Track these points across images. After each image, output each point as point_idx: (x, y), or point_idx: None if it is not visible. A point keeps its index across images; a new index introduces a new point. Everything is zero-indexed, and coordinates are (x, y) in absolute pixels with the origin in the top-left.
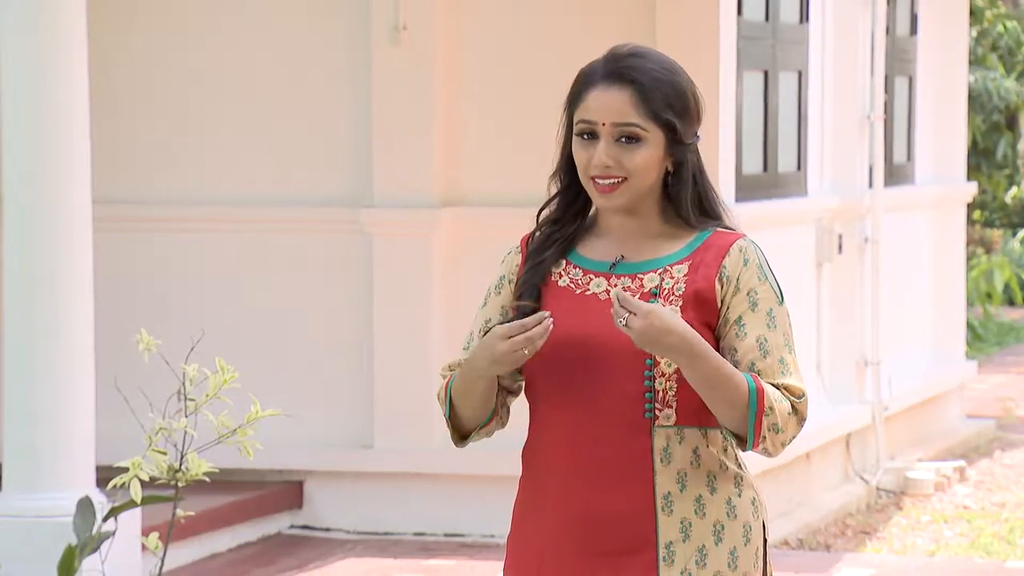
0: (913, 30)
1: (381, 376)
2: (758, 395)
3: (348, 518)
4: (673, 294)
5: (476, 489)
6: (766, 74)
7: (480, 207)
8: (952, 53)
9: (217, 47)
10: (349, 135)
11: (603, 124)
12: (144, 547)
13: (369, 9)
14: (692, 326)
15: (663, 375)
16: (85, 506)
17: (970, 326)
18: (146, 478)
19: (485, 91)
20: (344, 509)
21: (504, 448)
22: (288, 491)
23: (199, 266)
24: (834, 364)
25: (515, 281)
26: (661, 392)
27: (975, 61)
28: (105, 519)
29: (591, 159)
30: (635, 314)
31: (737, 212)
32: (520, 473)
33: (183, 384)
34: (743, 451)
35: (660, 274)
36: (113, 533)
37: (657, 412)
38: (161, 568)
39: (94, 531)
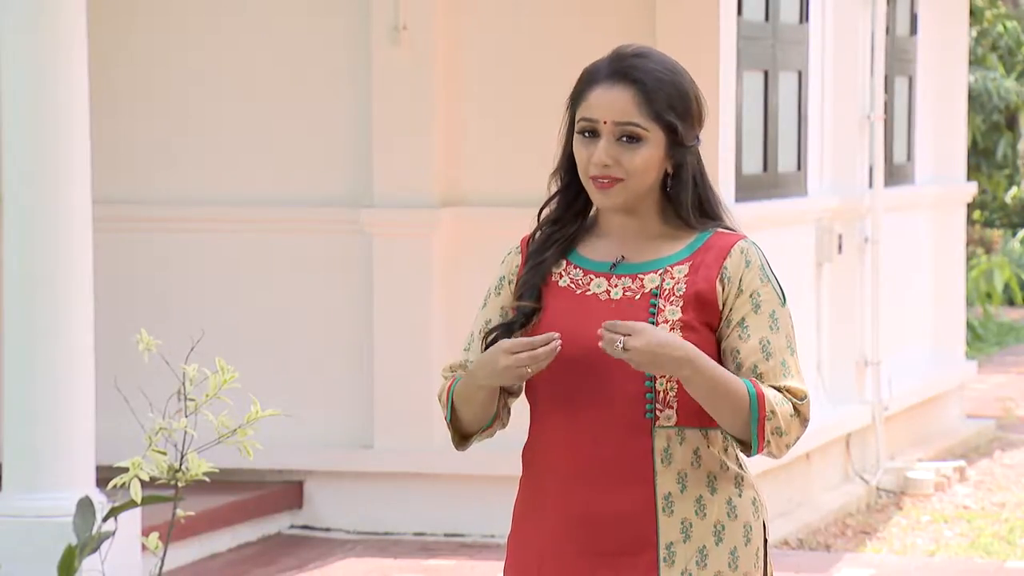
0: (913, 30)
1: (381, 376)
2: (759, 400)
3: (348, 518)
4: (674, 294)
5: (476, 489)
6: (766, 74)
7: (480, 207)
8: (952, 53)
9: (217, 47)
10: (349, 135)
11: (604, 122)
12: (144, 547)
13: (369, 9)
14: (693, 326)
15: (663, 376)
16: (85, 506)
17: (970, 326)
18: (146, 478)
19: (485, 91)
20: (344, 509)
21: (504, 448)
22: (288, 491)
23: (199, 266)
24: (834, 364)
25: (515, 282)
26: (662, 393)
27: (975, 61)
28: (105, 519)
29: (591, 157)
30: (629, 335)
31: (737, 212)
32: (520, 473)
33: (183, 384)
34: (748, 456)
35: (661, 275)
36: (113, 533)
37: (658, 413)
38: (161, 568)
39: (94, 531)
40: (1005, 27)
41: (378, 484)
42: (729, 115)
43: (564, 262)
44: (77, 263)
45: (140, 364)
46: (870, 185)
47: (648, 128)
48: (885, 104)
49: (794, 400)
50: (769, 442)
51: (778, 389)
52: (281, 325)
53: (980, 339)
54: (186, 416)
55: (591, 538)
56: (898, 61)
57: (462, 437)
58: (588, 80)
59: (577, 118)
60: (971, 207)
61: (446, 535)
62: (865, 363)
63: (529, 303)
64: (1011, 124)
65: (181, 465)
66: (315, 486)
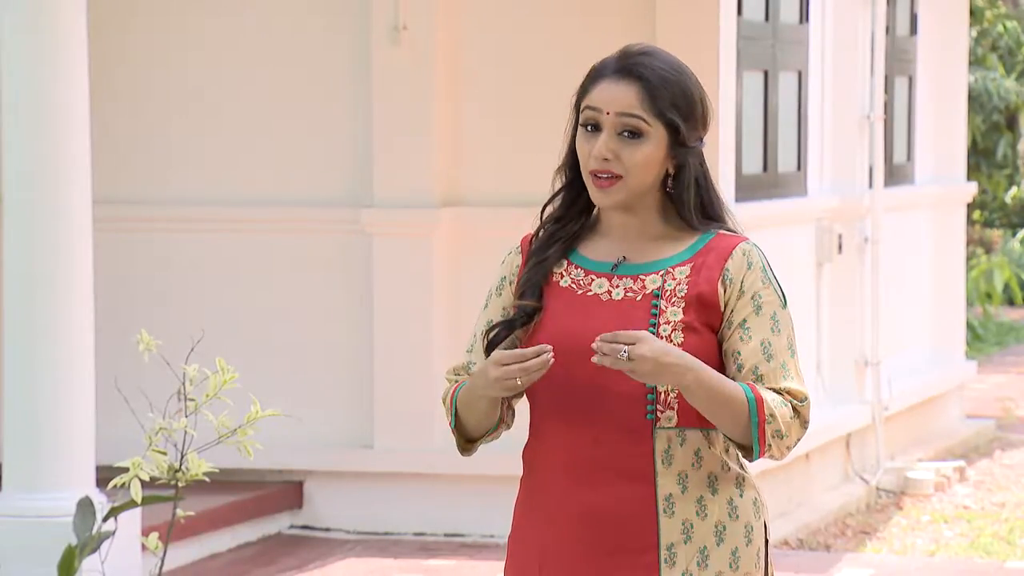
0: (913, 30)
1: (381, 376)
2: (758, 404)
3: (348, 518)
4: (675, 296)
5: (476, 489)
6: (766, 74)
7: (480, 207)
8: (952, 53)
9: (217, 47)
10: (349, 135)
11: (607, 113)
12: (144, 547)
13: (369, 9)
14: (694, 327)
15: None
16: (85, 506)
17: (970, 326)
18: (146, 478)
19: (485, 91)
20: (344, 509)
21: (504, 448)
22: (288, 491)
23: (199, 266)
24: (834, 364)
25: (516, 282)
26: (662, 394)
27: (975, 61)
28: (105, 519)
29: (592, 151)
30: (633, 344)
31: (737, 212)
32: (520, 473)
33: (183, 384)
34: (750, 461)
35: (662, 276)
36: (113, 533)
37: (659, 414)
38: (161, 568)
39: (94, 531)
40: (1005, 27)
41: (378, 484)
42: (729, 115)
43: (565, 262)
44: (77, 263)
45: (140, 364)
46: (870, 185)
47: (650, 124)
48: (885, 104)
49: (794, 402)
50: (770, 445)
51: (778, 391)
52: (281, 325)
53: (980, 339)
54: (186, 416)
55: (592, 539)
56: (898, 61)
57: (467, 441)
58: (594, 75)
59: (581, 109)
60: (971, 207)
61: (446, 535)
62: (865, 363)
63: (531, 302)
64: (1011, 124)
65: (181, 465)
66: (315, 486)
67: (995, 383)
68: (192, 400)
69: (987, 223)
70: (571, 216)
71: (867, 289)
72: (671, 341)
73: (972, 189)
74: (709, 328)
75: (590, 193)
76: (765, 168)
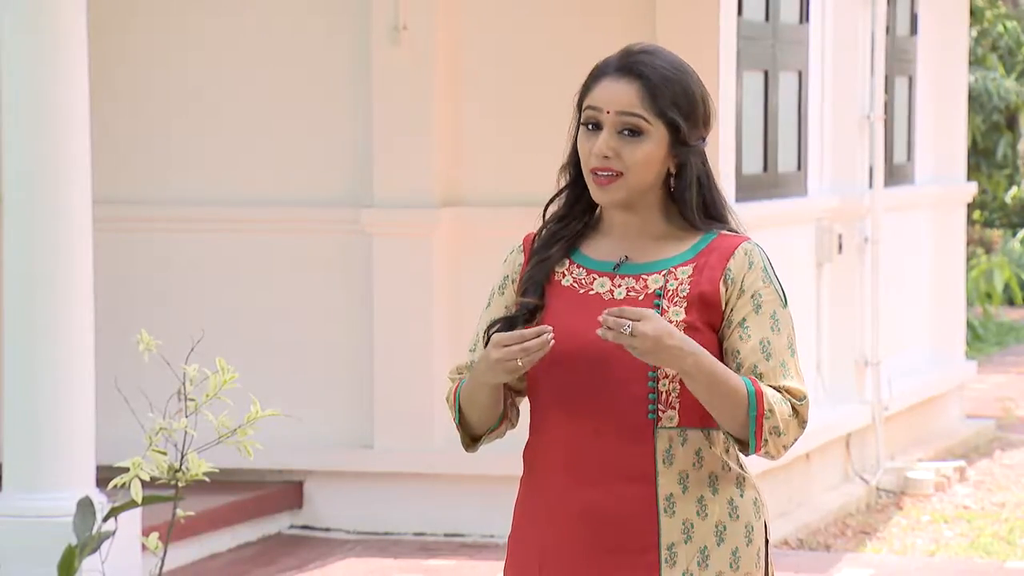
0: (913, 30)
1: (381, 376)
2: (757, 397)
3: (348, 518)
4: (677, 295)
5: (476, 489)
6: (766, 74)
7: (480, 207)
8: (952, 53)
9: (217, 47)
10: (349, 135)
11: (608, 112)
12: (144, 547)
13: (369, 9)
14: (696, 326)
15: (666, 376)
16: (85, 506)
17: (970, 326)
18: (146, 478)
19: (485, 91)
20: (344, 509)
21: (504, 448)
22: (288, 491)
23: (199, 266)
24: (834, 364)
25: (518, 280)
26: (664, 393)
27: (975, 61)
28: (105, 519)
29: (592, 149)
30: (638, 320)
31: (737, 212)
32: (521, 473)
33: (183, 384)
34: (746, 455)
35: (664, 275)
36: (113, 533)
37: (660, 414)
38: (161, 568)
39: (94, 531)
40: (1005, 27)
41: (378, 484)
42: (729, 115)
43: (567, 261)
44: (77, 263)
45: (140, 364)
46: (870, 185)
47: (651, 123)
48: (885, 104)
49: (793, 401)
50: (767, 441)
51: (777, 389)
52: (281, 325)
53: (980, 339)
54: (186, 416)
55: (592, 538)
56: (898, 61)
57: (471, 439)
58: (596, 74)
59: (583, 108)
60: (971, 207)
61: (446, 535)
62: (865, 363)
63: (532, 299)
64: (1011, 124)
65: (181, 465)
66: (315, 486)
67: (995, 383)
68: (192, 400)
69: (987, 223)
70: (574, 215)
71: (867, 289)
72: None
73: (972, 189)
74: (711, 328)
75: (591, 191)
76: (765, 168)
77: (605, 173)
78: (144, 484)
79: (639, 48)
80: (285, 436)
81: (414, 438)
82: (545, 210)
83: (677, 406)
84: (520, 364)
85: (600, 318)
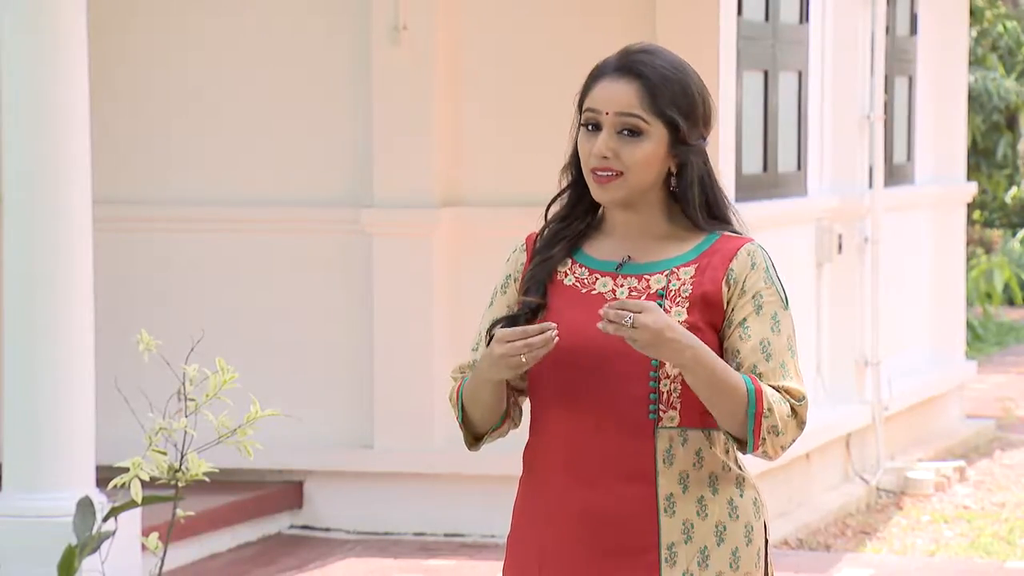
0: (913, 30)
1: (381, 376)
2: (757, 396)
3: (348, 518)
4: (680, 296)
5: (476, 489)
6: (766, 74)
7: (480, 207)
8: (952, 53)
9: (217, 47)
10: (349, 135)
11: (606, 114)
12: (144, 547)
13: (369, 9)
14: (698, 327)
15: (668, 377)
16: (85, 506)
17: (970, 326)
18: (146, 478)
19: (485, 91)
20: (344, 509)
21: (504, 448)
22: (288, 491)
23: (199, 266)
24: (834, 364)
25: (520, 279)
26: (665, 394)
27: (975, 61)
28: (105, 519)
29: (592, 149)
30: (640, 312)
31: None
32: (520, 473)
33: (183, 384)
34: (743, 454)
35: (667, 276)
36: (113, 533)
37: (661, 413)
38: (161, 568)
39: (94, 531)
40: (1005, 27)
41: (378, 484)
42: (729, 115)
43: (570, 260)
44: (77, 263)
45: (140, 364)
46: (870, 185)
47: (650, 122)
48: (885, 104)
49: (792, 401)
50: (764, 440)
51: (776, 389)
52: (281, 325)
53: (980, 339)
54: (186, 416)
55: (592, 538)
56: (898, 61)
57: (474, 437)
58: (595, 74)
59: (583, 109)
60: (971, 207)
61: (446, 535)
62: (865, 363)
63: (535, 298)
64: (1011, 124)
65: (181, 465)
66: (315, 486)
67: (995, 383)
68: (192, 400)
69: (987, 223)
70: (576, 215)
71: (867, 289)
72: None
73: (972, 189)
74: (713, 328)
75: (591, 190)
76: (765, 168)
77: (605, 173)
78: (144, 484)
79: (638, 48)
80: (285, 436)
81: (414, 438)
82: (547, 210)
83: (678, 406)
84: (523, 360)
85: (601, 311)
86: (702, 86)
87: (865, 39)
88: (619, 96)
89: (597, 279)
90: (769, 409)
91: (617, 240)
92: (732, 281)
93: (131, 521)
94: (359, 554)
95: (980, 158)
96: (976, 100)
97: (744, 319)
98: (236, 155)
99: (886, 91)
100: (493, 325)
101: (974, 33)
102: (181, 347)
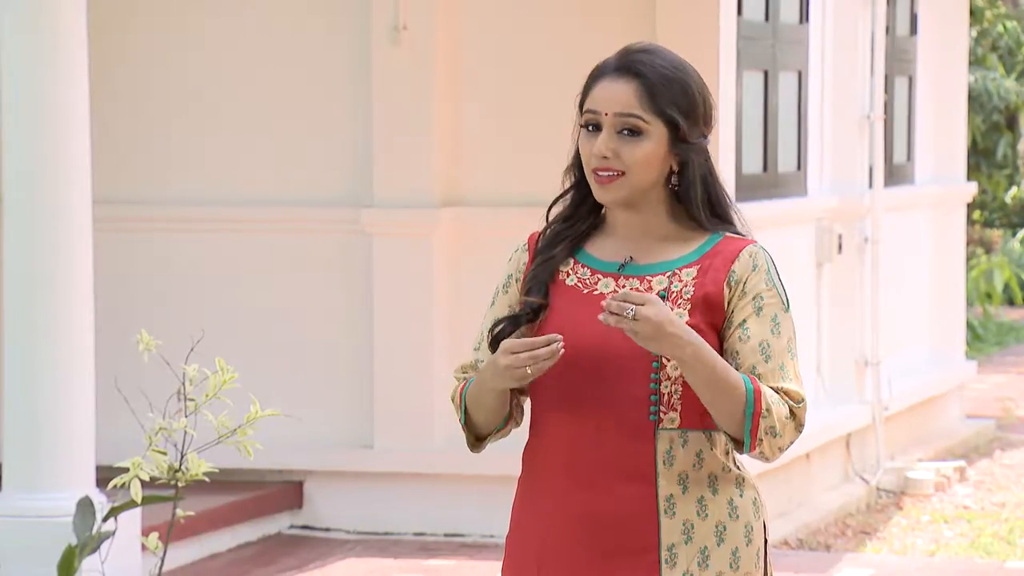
0: (913, 30)
1: (381, 376)
2: (755, 396)
3: (348, 518)
4: (681, 297)
5: (476, 489)
6: (766, 74)
7: (480, 207)
8: (952, 53)
9: (217, 47)
10: (349, 135)
11: (606, 114)
12: (144, 547)
13: (369, 9)
14: (700, 328)
15: (669, 378)
16: (85, 506)
17: (970, 326)
18: (146, 478)
19: (485, 91)
20: (344, 509)
21: (504, 448)
22: (288, 491)
23: (199, 266)
24: (834, 364)
25: (522, 279)
26: (666, 395)
27: (975, 61)
28: (105, 519)
29: (592, 150)
30: (642, 304)
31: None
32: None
33: (183, 384)
34: (740, 453)
35: (669, 277)
36: (113, 533)
37: (662, 415)
38: (161, 568)
39: (94, 531)
40: (1005, 27)
41: (378, 484)
42: (729, 115)
43: (572, 260)
44: (77, 263)
45: (140, 364)
46: (870, 185)
47: (649, 122)
48: (885, 104)
49: (791, 403)
50: (761, 440)
51: (775, 391)
52: (281, 325)
53: (980, 339)
54: (186, 416)
55: (591, 539)
56: (898, 61)
57: (476, 438)
58: (595, 75)
59: (583, 111)
60: (971, 207)
61: (446, 535)
62: (865, 363)
63: (536, 299)
64: (1011, 124)
65: (181, 465)
66: (315, 486)
67: (995, 383)
68: (192, 400)
69: (987, 223)
70: (579, 216)
71: (867, 289)
72: None
73: (972, 189)
74: (714, 330)
75: (592, 191)
76: (765, 168)
77: (606, 173)
78: (144, 484)
79: (638, 48)
80: (285, 436)
81: (414, 438)
82: (548, 211)
83: (679, 408)
84: (529, 372)
85: (604, 303)
86: (702, 85)
87: (865, 39)
88: (618, 96)
89: (599, 279)
90: (768, 410)
91: (619, 240)
92: (733, 282)
93: (131, 521)
94: (359, 554)
95: (980, 158)
96: (976, 100)
97: (744, 320)
98: (236, 155)
99: (886, 91)
100: (495, 325)
101: (974, 33)
102: (181, 347)
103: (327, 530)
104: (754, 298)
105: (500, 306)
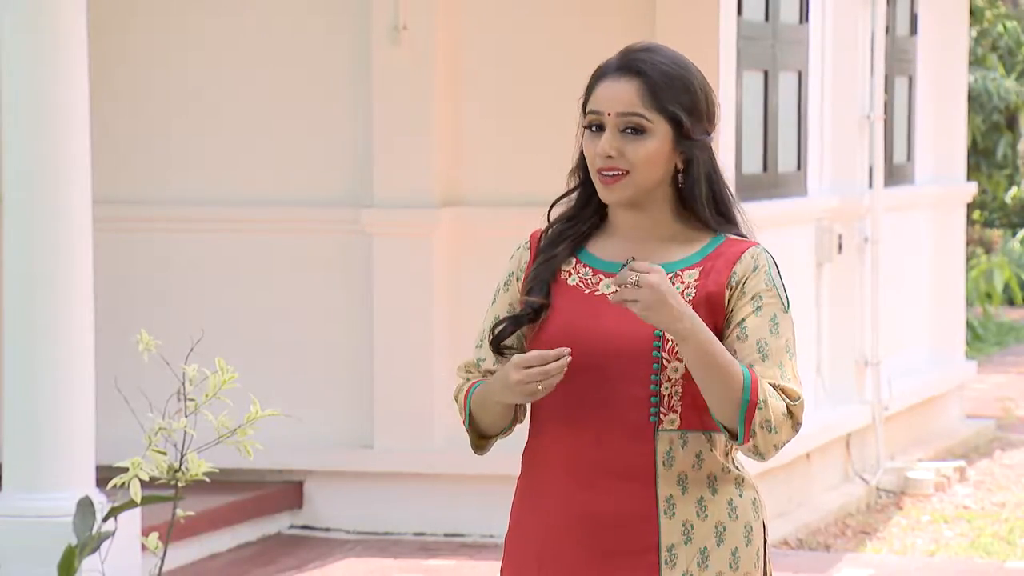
0: (913, 30)
1: (381, 376)
2: (752, 385)
3: (348, 518)
4: (684, 299)
5: (476, 489)
6: (766, 74)
7: (480, 207)
8: (952, 53)
9: (217, 47)
10: (349, 135)
11: (609, 114)
12: (144, 547)
13: (369, 9)
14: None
15: (669, 380)
16: (85, 506)
17: (970, 326)
18: (146, 478)
19: (485, 91)
20: (344, 509)
21: (504, 448)
22: (288, 491)
23: (199, 266)
24: (834, 364)
25: (523, 277)
26: (667, 397)
27: (975, 61)
28: (105, 519)
29: (596, 149)
30: (648, 272)
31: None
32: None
33: (183, 384)
34: (734, 442)
35: (671, 278)
36: (113, 533)
37: (662, 416)
38: (161, 568)
39: (94, 531)
40: (1005, 27)
41: (378, 484)
42: (729, 115)
43: (574, 260)
44: (77, 263)
45: (140, 364)
46: (870, 185)
47: (652, 120)
48: (885, 104)
49: (787, 401)
50: (755, 433)
51: (773, 387)
52: (281, 325)
53: (980, 339)
54: (186, 416)
55: (591, 539)
56: (898, 61)
57: (480, 438)
58: (597, 75)
59: (586, 112)
60: (971, 207)
61: (446, 535)
62: (865, 363)
63: (538, 299)
64: (1011, 124)
65: (181, 465)
66: (315, 486)
67: (995, 383)
68: (192, 400)
69: (987, 223)
70: (583, 216)
71: (867, 289)
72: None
73: (972, 189)
74: (715, 330)
75: (598, 191)
76: (765, 168)
77: (610, 172)
78: (144, 484)
79: (639, 47)
80: (285, 436)
81: (414, 438)
82: (549, 211)
83: (679, 409)
84: (539, 389)
85: (612, 280)
86: (704, 82)
87: (865, 39)
88: (621, 95)
89: (601, 279)
90: (764, 401)
91: (622, 241)
92: (734, 283)
93: (131, 521)
94: (359, 554)
95: (980, 158)
96: (976, 100)
97: (743, 319)
98: (236, 155)
99: (886, 91)
100: (496, 324)
101: (974, 33)
102: (181, 347)
103: (327, 530)
104: (753, 297)
105: (501, 304)
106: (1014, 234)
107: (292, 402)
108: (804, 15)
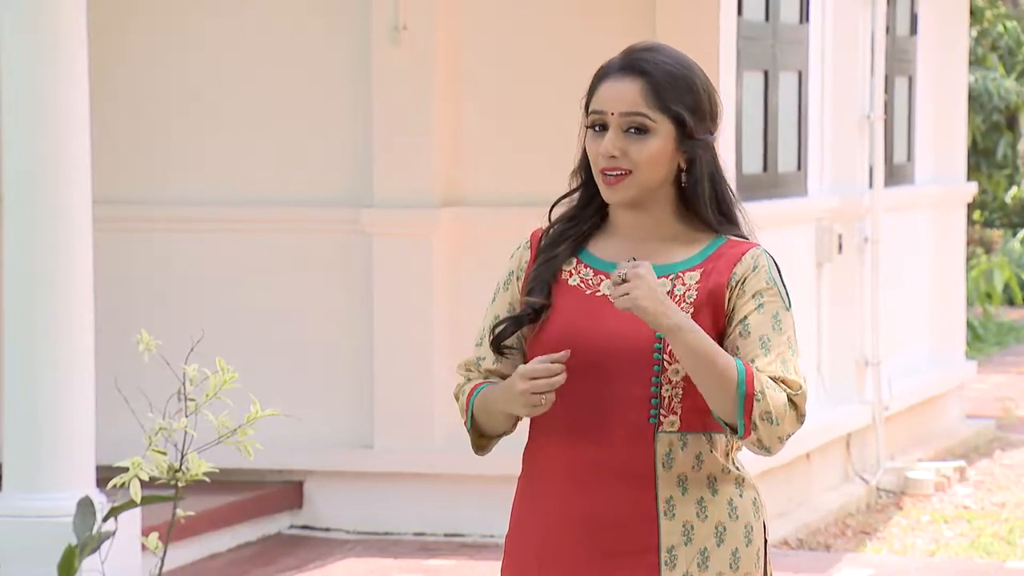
0: (913, 30)
1: (381, 376)
2: (747, 377)
3: (348, 518)
4: (684, 300)
5: (476, 489)
6: (766, 74)
7: (480, 207)
8: (952, 53)
9: (217, 47)
10: (349, 135)
11: (612, 114)
12: (144, 547)
13: (369, 9)
14: (702, 329)
15: (669, 382)
16: (85, 506)
17: (970, 326)
18: (146, 478)
19: (485, 91)
20: (344, 509)
21: (504, 448)
22: (288, 491)
23: (199, 266)
24: (834, 364)
25: (524, 277)
26: (667, 398)
27: (975, 61)
28: (105, 519)
29: (599, 149)
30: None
31: (745, 209)
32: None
33: (183, 384)
34: (737, 435)
35: (672, 280)
36: (113, 533)
37: (662, 418)
38: (161, 568)
39: (94, 531)
40: (1005, 27)
41: (378, 484)
42: (729, 115)
43: (575, 260)
44: (77, 263)
45: (140, 364)
46: (870, 185)
47: (655, 119)
48: (885, 104)
49: (788, 391)
50: (756, 426)
51: (773, 379)
52: (281, 325)
53: (980, 339)
54: (186, 416)
55: (592, 539)
56: (898, 61)
57: (480, 436)
58: (600, 75)
59: (589, 112)
60: (971, 207)
61: (446, 535)
62: (865, 363)
63: (538, 299)
64: (1011, 124)
65: (181, 465)
66: (315, 486)
67: (995, 383)
68: (192, 400)
69: (987, 223)
70: (585, 217)
71: (867, 289)
72: None
73: (972, 189)
74: (716, 331)
75: (601, 191)
76: (765, 168)
77: (614, 172)
78: (144, 484)
79: (641, 46)
80: (285, 436)
81: (414, 438)
82: (550, 211)
83: (679, 411)
84: (543, 402)
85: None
86: (707, 81)
87: (865, 39)
88: (623, 95)
89: (602, 280)
90: (761, 392)
91: (623, 241)
92: (734, 283)
93: (131, 521)
94: (359, 554)
95: (980, 158)
96: (976, 100)
97: (745, 316)
98: (236, 155)
99: (886, 91)
100: (497, 324)
101: (974, 33)
102: (181, 347)
103: (327, 530)
104: (754, 295)
105: (501, 303)
106: (1014, 234)
107: (292, 402)
108: (804, 15)
